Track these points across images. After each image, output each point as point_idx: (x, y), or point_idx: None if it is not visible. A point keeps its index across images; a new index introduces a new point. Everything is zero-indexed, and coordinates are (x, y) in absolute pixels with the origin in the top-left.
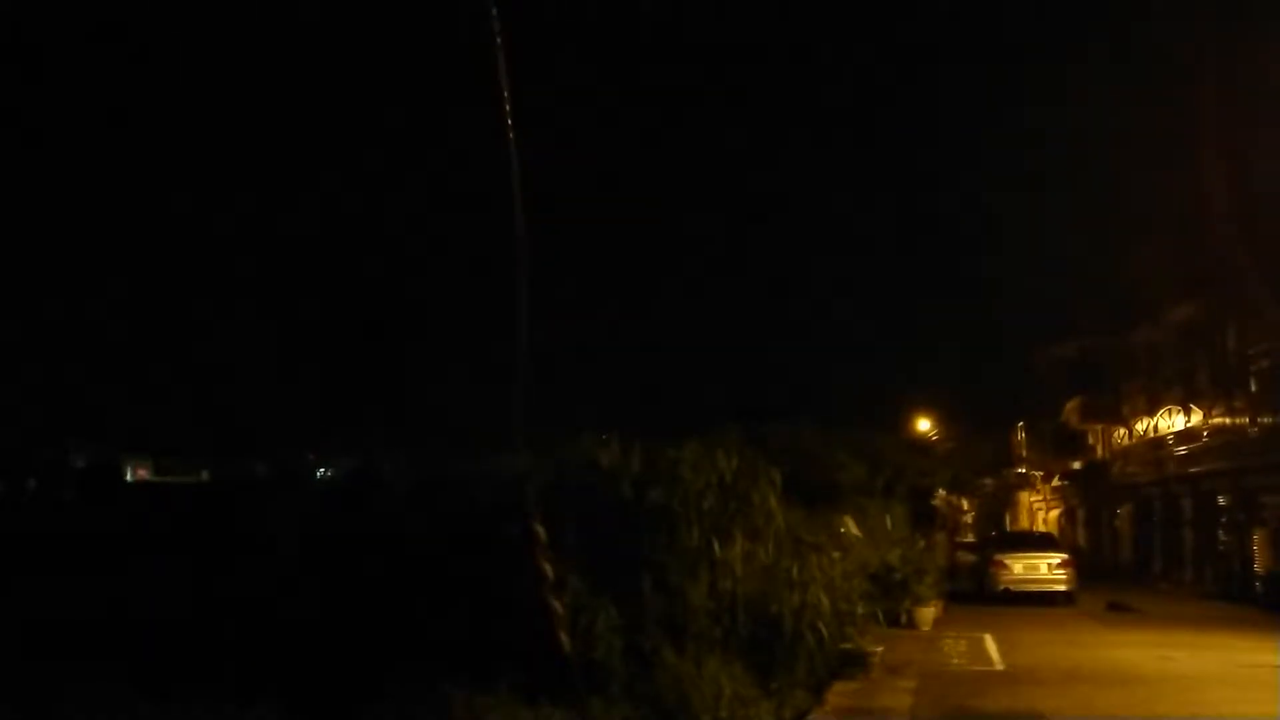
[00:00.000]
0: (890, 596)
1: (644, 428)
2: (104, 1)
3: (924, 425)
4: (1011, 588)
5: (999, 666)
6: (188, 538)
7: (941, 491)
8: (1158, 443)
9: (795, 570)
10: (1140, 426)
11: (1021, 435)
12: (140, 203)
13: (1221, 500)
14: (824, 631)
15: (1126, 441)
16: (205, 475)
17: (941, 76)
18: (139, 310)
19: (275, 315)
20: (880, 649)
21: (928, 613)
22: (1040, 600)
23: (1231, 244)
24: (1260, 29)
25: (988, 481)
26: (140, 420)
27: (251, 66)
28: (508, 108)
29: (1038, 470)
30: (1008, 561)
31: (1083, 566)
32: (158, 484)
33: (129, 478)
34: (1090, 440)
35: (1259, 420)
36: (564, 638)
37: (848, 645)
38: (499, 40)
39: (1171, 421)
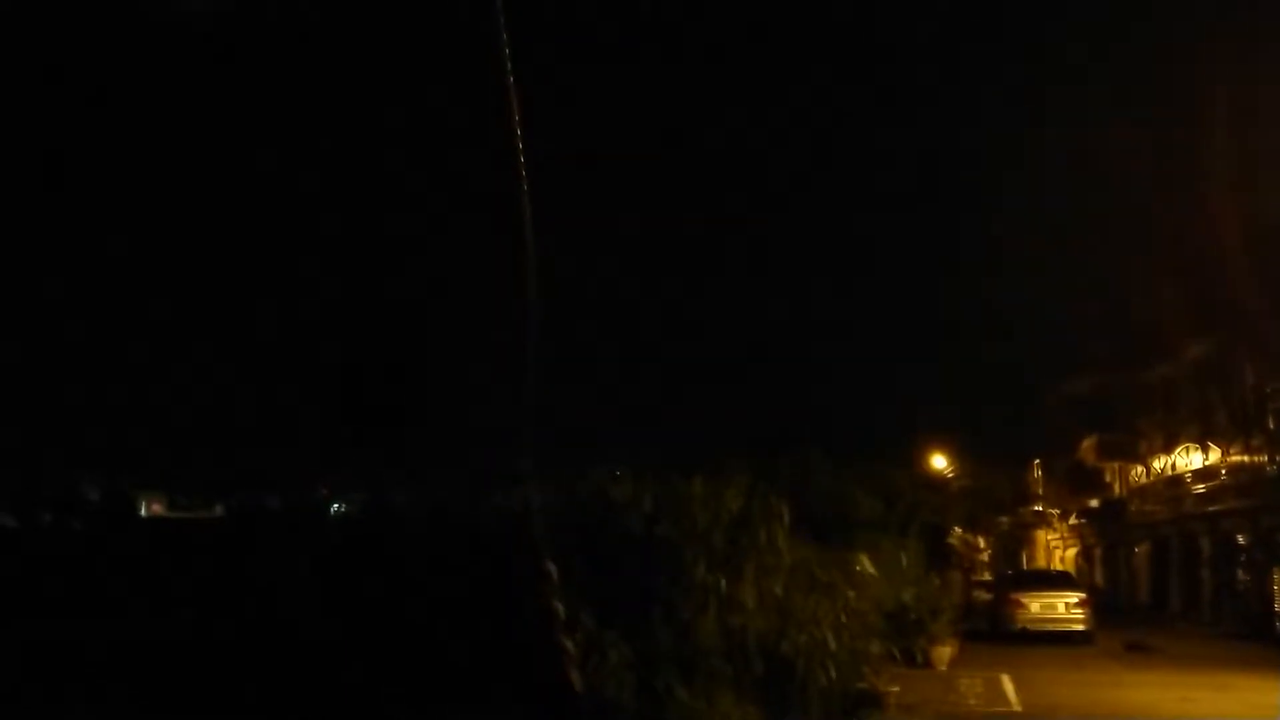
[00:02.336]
0: (905, 635)
1: (656, 459)
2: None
3: (939, 462)
4: (1029, 627)
5: (1016, 707)
6: (200, 572)
7: (957, 529)
8: (1175, 481)
9: (806, 607)
10: (1157, 464)
11: (1038, 473)
12: (151, 234)
13: (1240, 539)
14: (831, 670)
15: (1144, 479)
16: (219, 510)
17: (953, 110)
18: (152, 345)
19: (285, 349)
20: (896, 688)
21: (944, 652)
22: (1058, 639)
23: (1245, 281)
24: (1269, 65)
25: (1004, 519)
26: (154, 455)
27: (266, 95)
28: (522, 159)
29: (1054, 508)
30: (1025, 600)
31: (1100, 605)
32: (171, 518)
33: (143, 512)
34: (1107, 478)
35: (1277, 459)
36: (575, 676)
37: (862, 685)
38: (510, 80)
39: (1189, 460)
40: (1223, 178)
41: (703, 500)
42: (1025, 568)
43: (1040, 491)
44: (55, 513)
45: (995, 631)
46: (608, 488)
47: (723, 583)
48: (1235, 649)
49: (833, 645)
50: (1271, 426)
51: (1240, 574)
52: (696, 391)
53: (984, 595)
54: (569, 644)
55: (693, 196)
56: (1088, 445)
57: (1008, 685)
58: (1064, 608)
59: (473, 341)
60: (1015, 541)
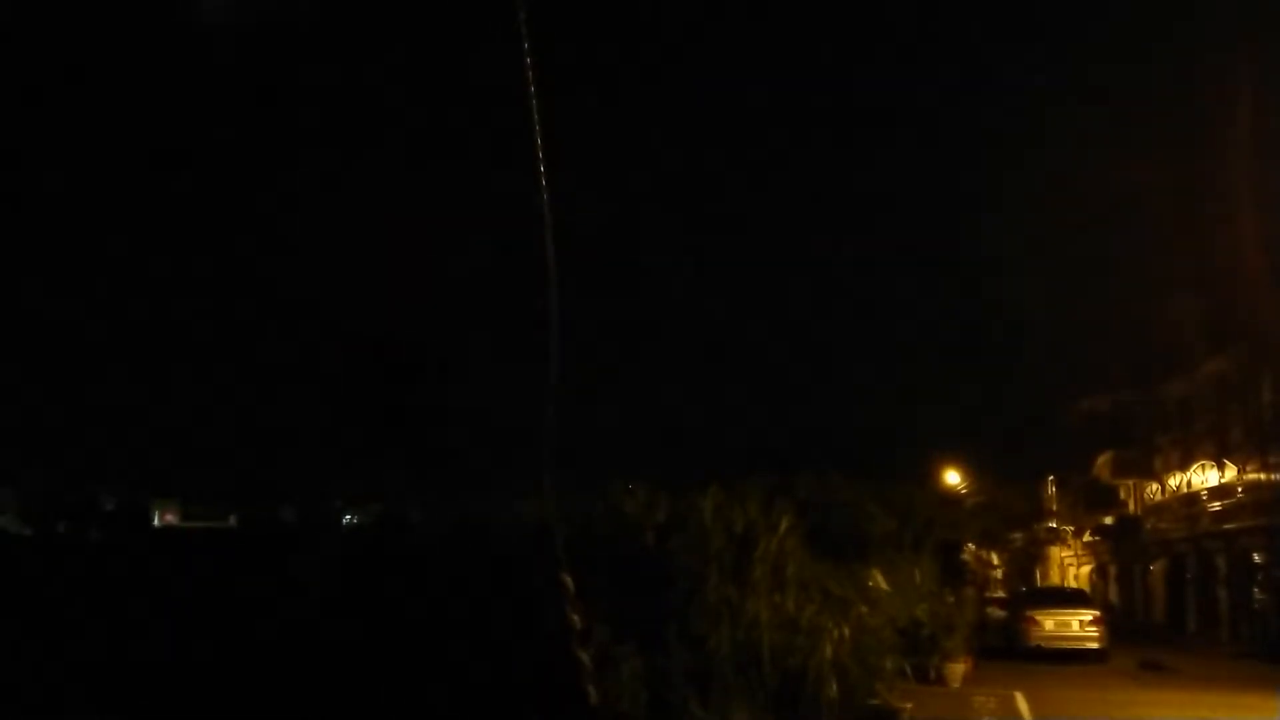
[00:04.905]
0: (919, 652)
1: (672, 475)
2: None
3: (953, 478)
4: (1043, 644)
5: None
6: (213, 582)
7: (971, 546)
8: (1191, 498)
9: (819, 622)
10: (1173, 482)
11: (1052, 489)
12: (167, 250)
13: (1257, 558)
14: (833, 685)
15: (1159, 497)
16: (233, 520)
17: (974, 128)
18: (167, 356)
19: (299, 362)
20: (909, 705)
21: (957, 669)
22: (1072, 658)
23: (1263, 298)
24: None
25: (1018, 536)
26: (169, 466)
27: (283, 108)
28: (540, 152)
29: (1069, 525)
30: (1039, 618)
31: (1115, 624)
32: (185, 528)
33: (157, 522)
34: (1122, 495)
35: None
36: (591, 690)
37: (875, 701)
38: (533, 94)
39: (1205, 477)
40: (1242, 194)
41: (715, 515)
42: (1039, 585)
43: (1055, 508)
44: (71, 522)
45: (1009, 649)
46: (622, 502)
47: (734, 596)
48: (1252, 669)
49: (845, 660)
50: None
51: (1257, 593)
52: (715, 408)
53: (998, 612)
54: (585, 657)
55: (712, 208)
56: (1103, 462)
57: (1021, 703)
58: (1078, 625)
59: (490, 355)
60: (1029, 558)
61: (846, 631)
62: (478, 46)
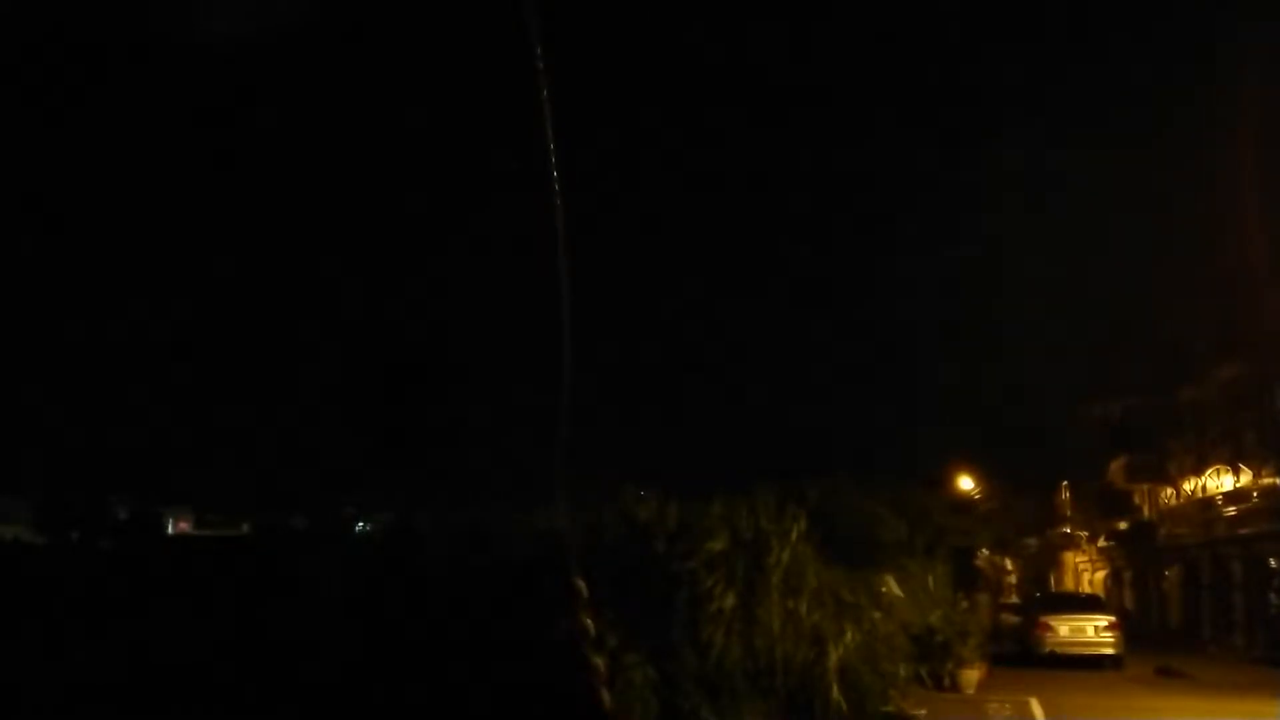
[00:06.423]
0: (933, 658)
1: (683, 483)
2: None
3: (966, 484)
4: (1057, 650)
5: None
6: (226, 589)
7: (984, 551)
8: (1206, 503)
9: (831, 629)
10: (1188, 487)
11: (1066, 495)
12: (178, 261)
13: (1273, 563)
14: (846, 692)
15: (1174, 502)
16: (245, 528)
17: (985, 136)
18: (181, 366)
19: (312, 369)
20: (923, 712)
21: (971, 675)
22: (1087, 664)
23: (1276, 303)
24: None
25: (1032, 541)
26: (182, 474)
27: (288, 119)
28: (553, 159)
29: (1083, 530)
30: (1053, 623)
31: (1130, 629)
32: (197, 536)
33: (170, 529)
34: (1136, 500)
35: None
36: (605, 694)
37: (889, 708)
38: (545, 94)
39: (1220, 482)
40: (1254, 198)
41: (724, 521)
42: (1054, 590)
43: (1069, 513)
44: (84, 530)
45: (1024, 655)
46: (632, 509)
47: (745, 603)
48: (1268, 675)
49: (858, 667)
50: None
51: (1273, 598)
52: (727, 415)
53: (1011, 618)
54: (599, 662)
55: (726, 216)
56: (1116, 467)
57: (1036, 710)
58: (1093, 631)
59: (503, 362)
60: (1043, 564)
61: (859, 638)
62: (491, 56)
